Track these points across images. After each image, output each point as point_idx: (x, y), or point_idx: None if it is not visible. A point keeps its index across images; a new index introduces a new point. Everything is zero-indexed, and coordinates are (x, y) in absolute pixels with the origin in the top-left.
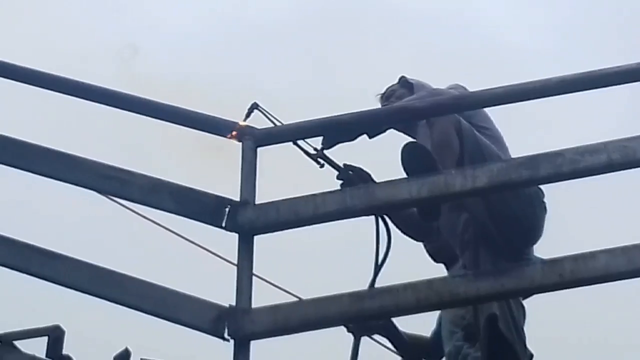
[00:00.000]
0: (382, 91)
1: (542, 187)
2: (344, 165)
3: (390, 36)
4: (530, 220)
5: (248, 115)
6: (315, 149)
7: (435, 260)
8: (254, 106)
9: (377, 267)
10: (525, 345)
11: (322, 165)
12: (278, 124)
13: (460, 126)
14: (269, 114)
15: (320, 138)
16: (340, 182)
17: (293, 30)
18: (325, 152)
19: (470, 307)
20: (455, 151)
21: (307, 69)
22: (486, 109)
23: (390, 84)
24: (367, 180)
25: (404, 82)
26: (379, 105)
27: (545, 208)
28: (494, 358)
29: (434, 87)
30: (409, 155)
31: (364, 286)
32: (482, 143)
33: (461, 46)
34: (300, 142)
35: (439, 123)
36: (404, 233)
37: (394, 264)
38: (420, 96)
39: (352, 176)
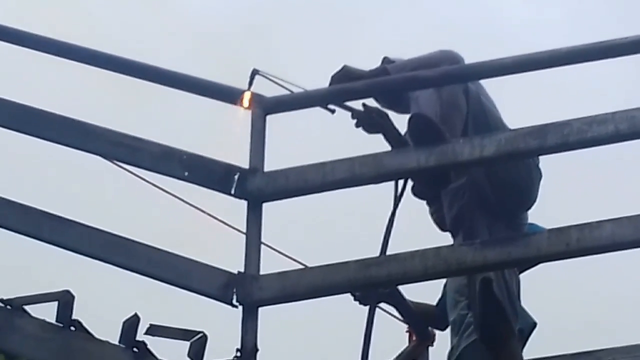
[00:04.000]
0: None
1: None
2: (363, 105)
3: (395, 10)
4: (527, 184)
5: (251, 82)
6: None
7: (442, 229)
8: (255, 72)
9: (387, 231)
10: (516, 310)
11: (333, 111)
12: (284, 84)
13: (467, 88)
14: (271, 77)
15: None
16: (355, 121)
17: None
18: None
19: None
20: (463, 112)
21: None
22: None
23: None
24: (384, 118)
25: (387, 61)
26: None
27: (540, 173)
28: (486, 318)
29: None
30: (416, 125)
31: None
32: (485, 108)
33: (466, 20)
34: None
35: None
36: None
37: (404, 234)
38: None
39: (365, 114)
